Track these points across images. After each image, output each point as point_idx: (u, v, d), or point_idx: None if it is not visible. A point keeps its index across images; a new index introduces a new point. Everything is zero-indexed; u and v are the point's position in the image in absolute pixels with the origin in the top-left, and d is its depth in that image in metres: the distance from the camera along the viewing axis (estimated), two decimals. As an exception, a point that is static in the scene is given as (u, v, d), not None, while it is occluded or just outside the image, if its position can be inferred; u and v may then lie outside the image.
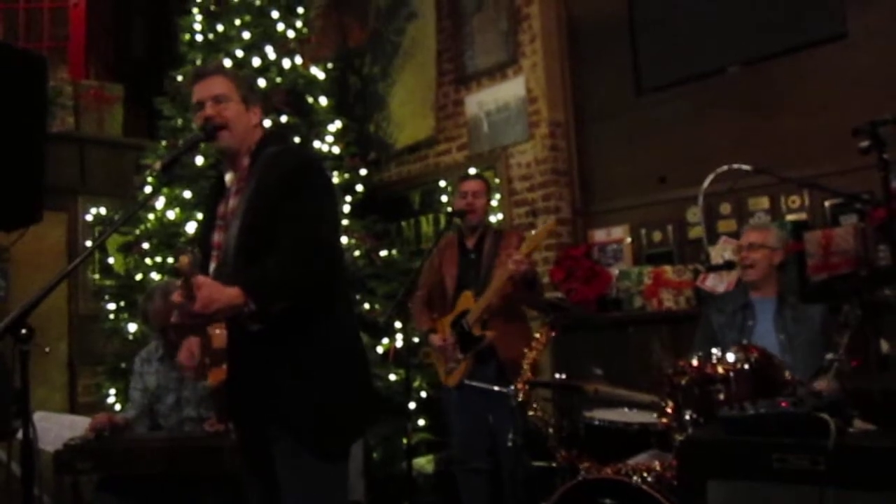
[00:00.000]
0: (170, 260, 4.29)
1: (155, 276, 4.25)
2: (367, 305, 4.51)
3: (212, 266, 2.15)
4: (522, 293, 3.43)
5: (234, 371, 2.03)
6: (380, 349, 4.48)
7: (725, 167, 2.84)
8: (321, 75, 4.92)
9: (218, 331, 2.02)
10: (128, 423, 3.14)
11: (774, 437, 1.72)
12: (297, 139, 4.54)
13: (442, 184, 5.17)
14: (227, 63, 4.31)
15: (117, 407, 4.16)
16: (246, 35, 4.60)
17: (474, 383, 3.29)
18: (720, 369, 2.23)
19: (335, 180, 4.71)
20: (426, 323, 3.70)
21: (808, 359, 2.75)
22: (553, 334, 3.02)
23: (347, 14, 5.96)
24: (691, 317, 3.77)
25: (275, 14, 4.75)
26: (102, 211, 5.18)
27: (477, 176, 3.78)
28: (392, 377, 4.38)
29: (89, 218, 5.28)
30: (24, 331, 1.73)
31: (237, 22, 4.64)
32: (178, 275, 1.91)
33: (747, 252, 3.05)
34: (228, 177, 2.24)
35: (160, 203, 4.43)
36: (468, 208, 3.57)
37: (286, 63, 4.66)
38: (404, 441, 3.65)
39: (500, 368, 3.42)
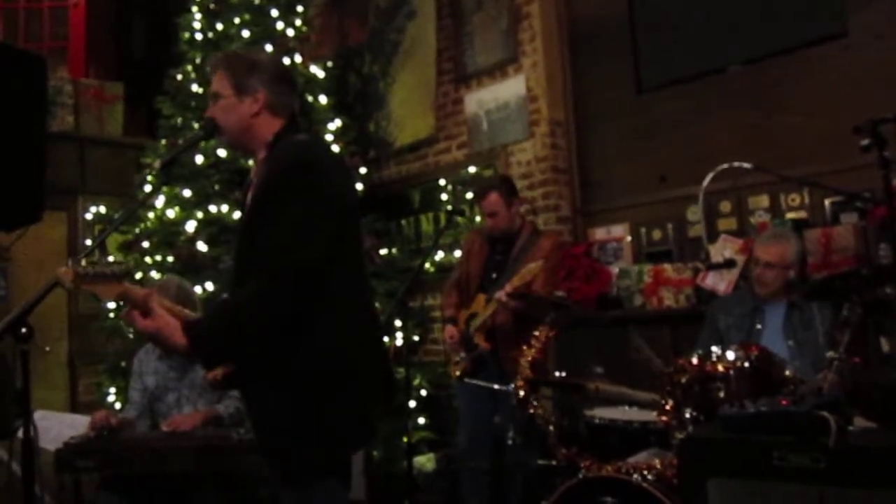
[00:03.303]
0: (170, 259, 4.29)
1: (155, 274, 4.25)
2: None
3: None
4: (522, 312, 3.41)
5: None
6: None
7: (726, 165, 2.85)
8: (321, 74, 4.92)
9: None
10: (125, 423, 3.14)
11: (775, 436, 1.72)
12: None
13: (442, 182, 5.16)
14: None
15: (117, 405, 4.16)
16: (245, 33, 4.60)
17: (474, 381, 3.31)
18: (720, 367, 2.23)
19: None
20: (449, 309, 3.74)
21: (818, 364, 2.72)
22: (553, 333, 3.02)
23: (347, 13, 5.95)
24: (691, 315, 3.77)
25: (274, 13, 4.76)
26: (102, 210, 5.18)
27: (488, 188, 3.65)
28: (392, 376, 4.38)
29: (89, 217, 5.28)
30: (24, 330, 1.74)
31: (237, 20, 4.64)
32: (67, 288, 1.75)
33: (763, 270, 2.99)
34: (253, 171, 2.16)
35: (160, 202, 4.43)
36: (493, 229, 3.62)
37: (286, 62, 4.66)
38: (405, 439, 3.66)
39: (501, 372, 3.44)
